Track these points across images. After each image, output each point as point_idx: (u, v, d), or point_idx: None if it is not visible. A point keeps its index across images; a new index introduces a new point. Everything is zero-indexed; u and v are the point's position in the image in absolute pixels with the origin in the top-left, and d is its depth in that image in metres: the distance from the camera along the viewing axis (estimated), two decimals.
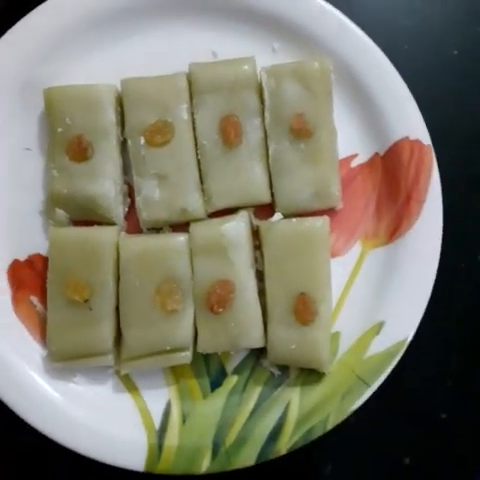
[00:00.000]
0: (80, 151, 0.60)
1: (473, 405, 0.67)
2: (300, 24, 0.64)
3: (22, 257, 0.64)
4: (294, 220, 0.61)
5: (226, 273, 0.59)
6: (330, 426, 0.60)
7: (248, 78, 0.62)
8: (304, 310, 0.59)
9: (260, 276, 0.62)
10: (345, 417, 0.60)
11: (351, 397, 0.60)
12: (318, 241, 0.60)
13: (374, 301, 0.63)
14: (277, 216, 0.63)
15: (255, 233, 0.63)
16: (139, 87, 0.62)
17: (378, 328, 0.61)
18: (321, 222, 0.60)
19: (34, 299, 0.63)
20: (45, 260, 0.63)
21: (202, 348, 0.60)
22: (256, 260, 0.63)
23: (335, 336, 0.62)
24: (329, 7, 0.64)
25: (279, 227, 0.61)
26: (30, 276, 0.63)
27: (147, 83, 0.62)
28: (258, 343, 0.60)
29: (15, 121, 0.64)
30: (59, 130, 0.61)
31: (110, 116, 0.61)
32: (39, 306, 0.63)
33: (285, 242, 0.60)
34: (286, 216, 0.62)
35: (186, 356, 0.60)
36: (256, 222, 0.63)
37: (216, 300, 0.58)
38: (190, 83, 0.62)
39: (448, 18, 0.71)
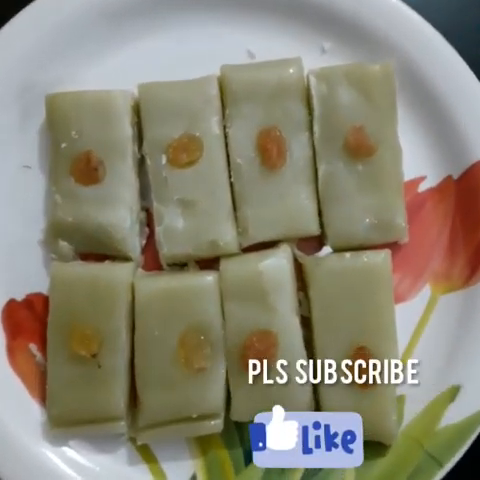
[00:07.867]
0: (89, 171, 0.57)
1: None
2: (358, 19, 0.59)
3: (19, 296, 0.60)
4: (348, 255, 0.55)
5: (266, 322, 0.55)
6: None
7: (293, 83, 0.58)
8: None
9: (304, 323, 0.56)
10: None
11: (419, 478, 0.54)
12: (379, 280, 0.56)
13: (448, 359, 0.58)
14: (325, 250, 0.57)
15: (298, 271, 0.57)
16: (160, 93, 0.58)
17: (453, 393, 0.56)
18: (382, 256, 0.55)
19: (33, 347, 0.59)
20: (47, 300, 0.59)
21: (237, 416, 0.54)
22: (299, 304, 0.57)
23: (399, 400, 0.56)
24: None
25: (330, 263, 0.56)
26: (29, 319, 0.60)
27: (170, 89, 0.58)
28: (306, 407, 0.54)
29: (12, 133, 0.62)
30: (63, 145, 0.58)
31: (125, 129, 0.58)
32: (39, 356, 0.59)
33: (338, 282, 0.56)
34: (336, 251, 0.57)
35: (216, 425, 0.55)
36: (300, 258, 0.57)
37: (254, 355, 0.53)
38: (222, 89, 0.59)
39: None
